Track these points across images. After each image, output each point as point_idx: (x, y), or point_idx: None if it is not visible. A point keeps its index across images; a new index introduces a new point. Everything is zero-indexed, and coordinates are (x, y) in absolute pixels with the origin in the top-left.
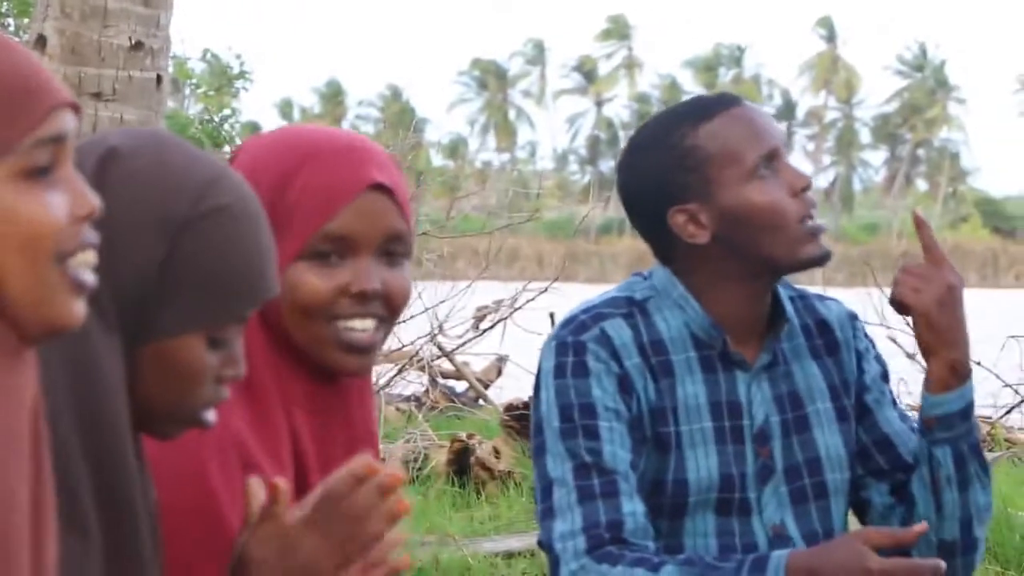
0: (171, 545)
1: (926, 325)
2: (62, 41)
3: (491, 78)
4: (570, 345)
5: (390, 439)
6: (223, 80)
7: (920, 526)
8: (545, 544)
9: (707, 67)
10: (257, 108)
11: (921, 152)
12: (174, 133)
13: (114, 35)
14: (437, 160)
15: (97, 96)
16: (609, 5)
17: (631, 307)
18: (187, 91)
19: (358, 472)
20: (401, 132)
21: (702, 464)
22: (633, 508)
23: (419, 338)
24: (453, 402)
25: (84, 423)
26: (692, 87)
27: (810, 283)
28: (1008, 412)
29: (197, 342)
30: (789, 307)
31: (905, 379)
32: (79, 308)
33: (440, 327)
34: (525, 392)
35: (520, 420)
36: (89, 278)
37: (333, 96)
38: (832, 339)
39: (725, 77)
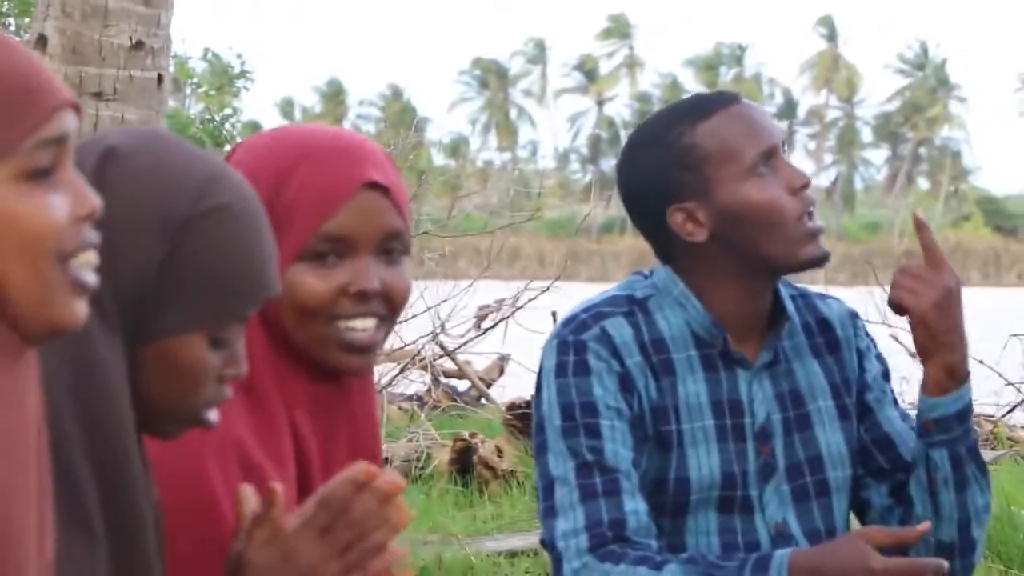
0: (171, 544)
1: (924, 328)
2: (63, 41)
3: (492, 77)
4: (571, 344)
5: (393, 438)
6: (224, 79)
7: (923, 525)
8: (547, 543)
9: (708, 66)
10: (258, 107)
11: (922, 151)
12: (175, 133)
13: (115, 35)
14: (438, 159)
15: (98, 96)
16: (610, 4)
17: (632, 306)
18: (188, 90)
19: (357, 479)
20: (402, 131)
21: (704, 462)
22: (635, 507)
23: (421, 337)
24: (455, 401)
25: (87, 424)
26: (693, 86)
27: (812, 282)
28: (1011, 410)
29: (199, 341)
30: (790, 305)
31: (907, 378)
32: (81, 308)
33: (442, 326)
34: (527, 391)
35: (522, 419)
36: (90, 278)
37: (334, 95)
38: (833, 337)
39: (726, 76)
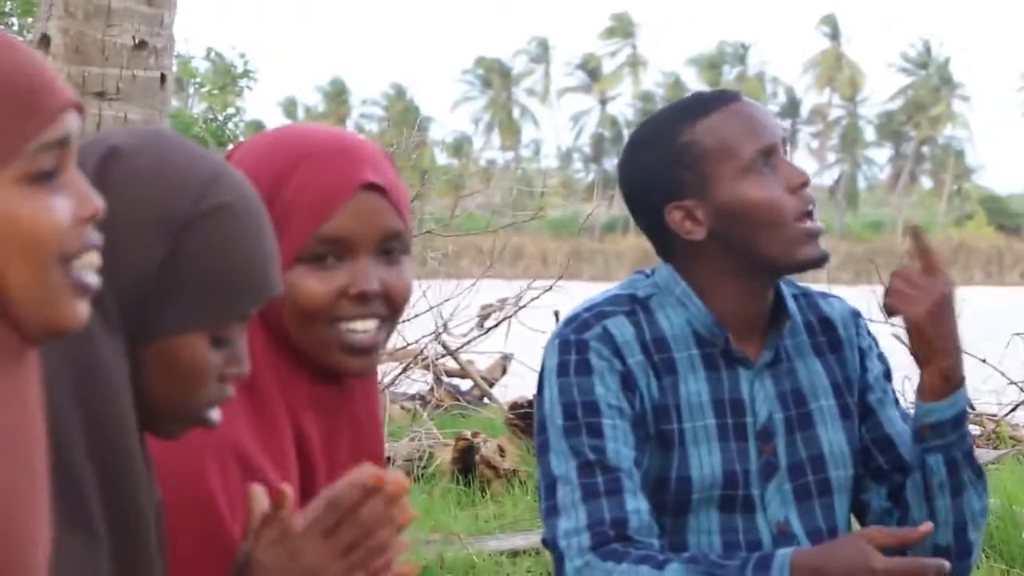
0: (170, 543)
1: (918, 335)
2: (66, 40)
3: (495, 76)
4: (573, 343)
5: (395, 437)
6: (227, 79)
7: (925, 526)
8: (549, 542)
9: (711, 65)
10: (261, 107)
11: (925, 150)
12: (178, 132)
13: (118, 34)
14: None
15: (101, 95)
16: (613, 3)
17: (634, 305)
18: (191, 90)
19: (367, 483)
20: (405, 131)
21: (705, 461)
22: (637, 505)
23: (424, 336)
24: (458, 400)
25: (89, 424)
26: (696, 85)
27: (815, 281)
28: (1013, 409)
29: (200, 341)
30: (792, 304)
31: (909, 376)
32: (82, 309)
33: (445, 325)
34: (530, 390)
35: (525, 418)
36: (93, 279)
37: (337, 95)
38: (835, 336)
39: (729, 75)
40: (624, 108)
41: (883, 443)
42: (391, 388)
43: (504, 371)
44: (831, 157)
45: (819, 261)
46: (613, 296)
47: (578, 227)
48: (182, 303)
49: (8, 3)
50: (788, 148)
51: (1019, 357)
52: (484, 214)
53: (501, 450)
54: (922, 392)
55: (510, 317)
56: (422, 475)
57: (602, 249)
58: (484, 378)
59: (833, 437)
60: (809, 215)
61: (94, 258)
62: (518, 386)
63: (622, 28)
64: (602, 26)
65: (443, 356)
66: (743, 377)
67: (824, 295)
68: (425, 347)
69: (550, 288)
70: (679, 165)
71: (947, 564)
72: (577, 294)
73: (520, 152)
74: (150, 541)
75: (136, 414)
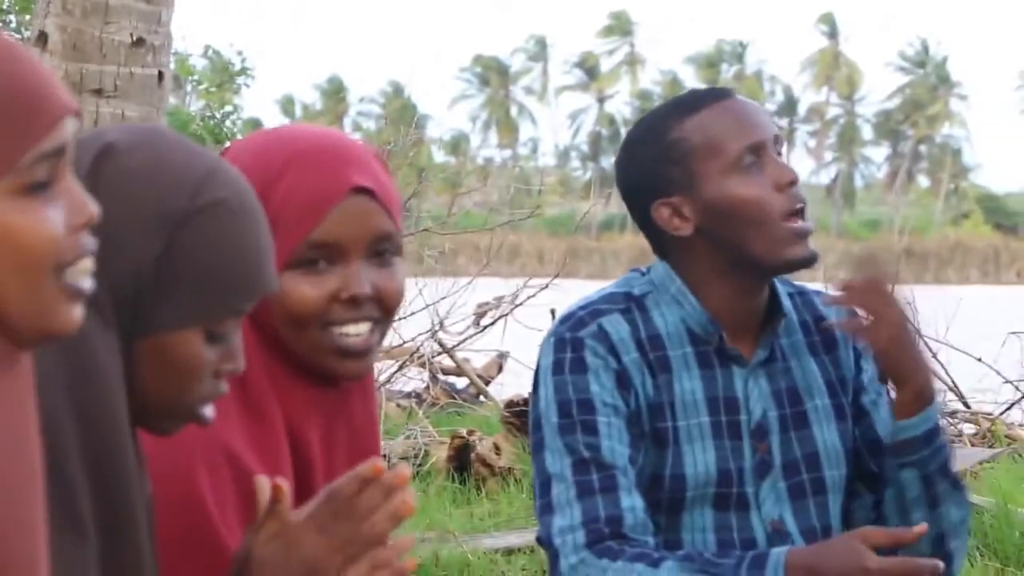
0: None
1: (886, 362)
2: (63, 38)
3: (493, 74)
4: (568, 341)
5: (391, 435)
6: (224, 77)
7: (920, 527)
8: (544, 540)
9: (709, 63)
10: (259, 105)
11: (923, 148)
12: (175, 130)
13: (115, 31)
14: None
15: (98, 93)
16: (611, 1)
17: (629, 303)
18: (189, 88)
19: (365, 474)
20: (403, 128)
21: (699, 459)
22: (632, 503)
23: (420, 334)
24: (454, 398)
25: (82, 421)
26: (694, 83)
27: (812, 279)
28: (1008, 408)
29: (195, 337)
30: (787, 303)
31: None
32: (76, 314)
33: (441, 323)
34: (526, 388)
35: (521, 416)
36: (87, 284)
37: (335, 92)
38: (830, 336)
39: (727, 73)
40: (622, 106)
41: (874, 446)
42: (387, 386)
43: (500, 369)
44: (828, 156)
45: (807, 262)
46: (609, 294)
47: (575, 225)
48: (177, 299)
49: (6, 0)
50: (782, 146)
51: (1015, 356)
52: (481, 212)
53: (497, 448)
54: (894, 410)
55: (506, 315)
56: (418, 473)
57: (599, 247)
58: (480, 376)
59: (828, 436)
60: (798, 214)
61: (89, 264)
62: (514, 384)
63: (620, 26)
64: (600, 24)
65: (439, 354)
66: (737, 375)
67: (820, 294)
68: (421, 345)
69: (546, 286)
70: (668, 161)
71: (941, 564)
72: (573, 292)
73: (517, 150)
74: (141, 541)
75: (129, 410)
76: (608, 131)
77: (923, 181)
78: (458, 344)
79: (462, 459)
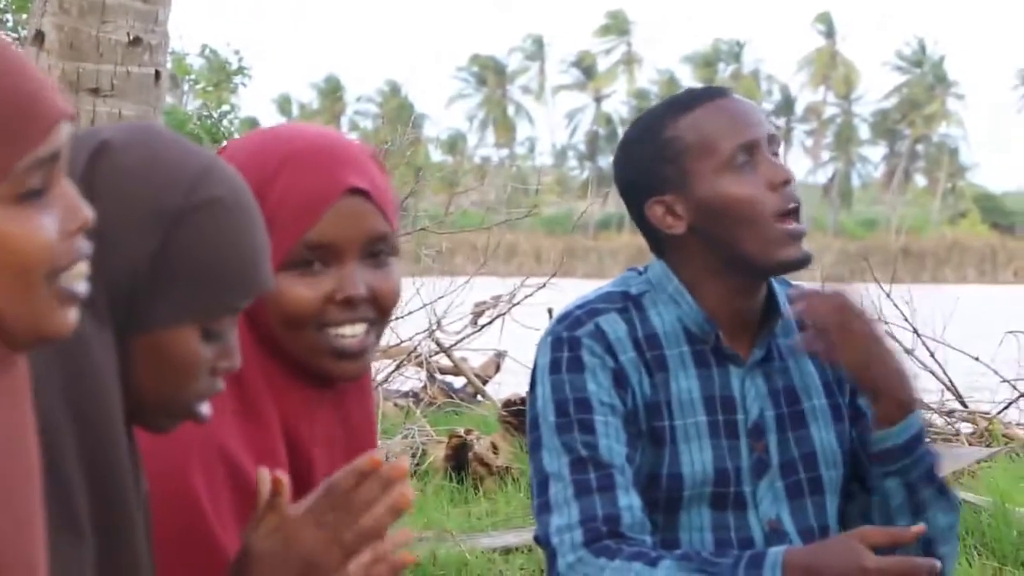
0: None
1: (862, 380)
2: (60, 37)
3: (490, 74)
4: (565, 340)
5: (388, 435)
6: (221, 76)
7: (918, 526)
8: (542, 539)
9: (706, 63)
10: (256, 104)
11: (920, 148)
12: (172, 129)
13: (112, 31)
14: (436, 156)
15: (95, 92)
16: (608, 1)
17: (626, 302)
18: (185, 87)
19: (363, 468)
20: (400, 128)
21: (696, 458)
22: (630, 502)
23: (417, 334)
24: (451, 398)
25: (78, 421)
26: (691, 83)
27: (810, 279)
28: (1006, 407)
29: (191, 334)
30: (785, 303)
31: None
32: (70, 317)
33: (438, 323)
34: (523, 388)
35: (518, 416)
36: (82, 288)
37: (332, 92)
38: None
39: (724, 72)
40: (619, 106)
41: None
42: (384, 385)
43: (498, 368)
44: (825, 155)
45: (800, 263)
46: (606, 293)
47: (572, 224)
48: (173, 296)
49: (2, 0)
50: (778, 146)
51: (1012, 355)
52: (478, 211)
53: (494, 447)
54: (875, 420)
55: (504, 314)
56: (415, 472)
57: (596, 246)
58: (477, 375)
59: (825, 436)
60: (791, 214)
61: (83, 268)
62: (511, 383)
63: (617, 26)
64: (597, 24)
65: (436, 353)
66: (734, 374)
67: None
68: (418, 344)
69: (544, 285)
70: (662, 160)
71: (939, 563)
72: (571, 291)
73: (515, 149)
74: (137, 540)
75: (125, 408)
76: (605, 130)
77: (920, 180)
78: (455, 343)
79: (460, 458)
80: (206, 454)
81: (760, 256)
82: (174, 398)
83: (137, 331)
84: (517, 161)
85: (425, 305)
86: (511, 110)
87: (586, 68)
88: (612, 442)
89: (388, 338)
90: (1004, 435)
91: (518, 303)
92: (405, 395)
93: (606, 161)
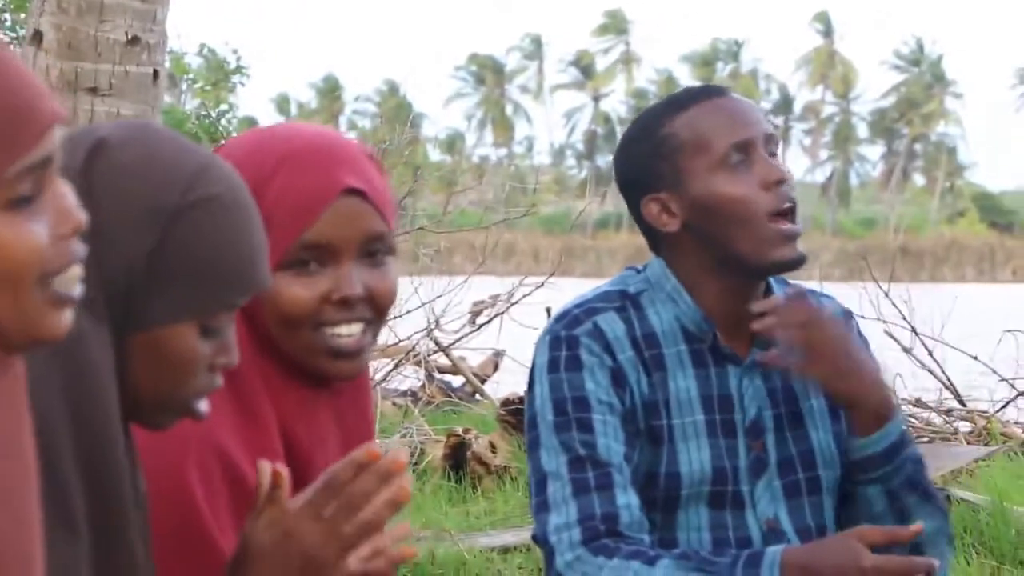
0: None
1: (834, 392)
2: (58, 36)
3: (488, 73)
4: (563, 339)
5: (386, 434)
6: (220, 75)
7: (916, 525)
8: (540, 538)
9: (704, 62)
10: (254, 103)
11: (918, 147)
12: (171, 128)
13: (110, 30)
14: (434, 155)
15: (93, 91)
16: (606, 0)
17: (624, 301)
18: (184, 86)
19: (360, 459)
20: (398, 127)
21: (694, 457)
22: (628, 500)
23: (415, 333)
24: (449, 397)
25: (75, 420)
26: (689, 82)
27: (808, 278)
28: (1004, 406)
29: (189, 331)
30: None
31: (900, 374)
32: (64, 320)
33: (436, 322)
34: (521, 387)
35: (516, 415)
36: (76, 291)
37: (330, 91)
38: None
39: (722, 72)
40: (617, 105)
41: None
42: (382, 384)
43: (496, 367)
44: (824, 154)
45: (794, 264)
46: (604, 292)
47: (570, 224)
48: (171, 293)
49: None
50: (776, 145)
51: (1010, 353)
52: (477, 210)
53: (492, 446)
54: (852, 429)
55: (502, 313)
56: (413, 471)
57: (594, 246)
58: (476, 374)
59: (823, 436)
60: (785, 214)
61: (77, 271)
62: (510, 382)
63: (615, 25)
64: (595, 23)
65: (435, 352)
66: (732, 374)
67: (816, 294)
68: (417, 343)
69: (542, 285)
70: (658, 157)
71: (936, 562)
72: (569, 291)
73: (513, 149)
74: (133, 538)
75: (123, 406)
76: (603, 130)
77: (918, 179)
78: (454, 342)
79: (458, 457)
80: (202, 452)
81: (753, 256)
82: (172, 395)
83: (135, 329)
84: (515, 160)
85: (423, 304)
86: (509, 109)
87: (584, 67)
88: (610, 441)
89: (386, 337)
90: (1002, 434)
91: (516, 302)
92: (403, 394)
93: (604, 160)
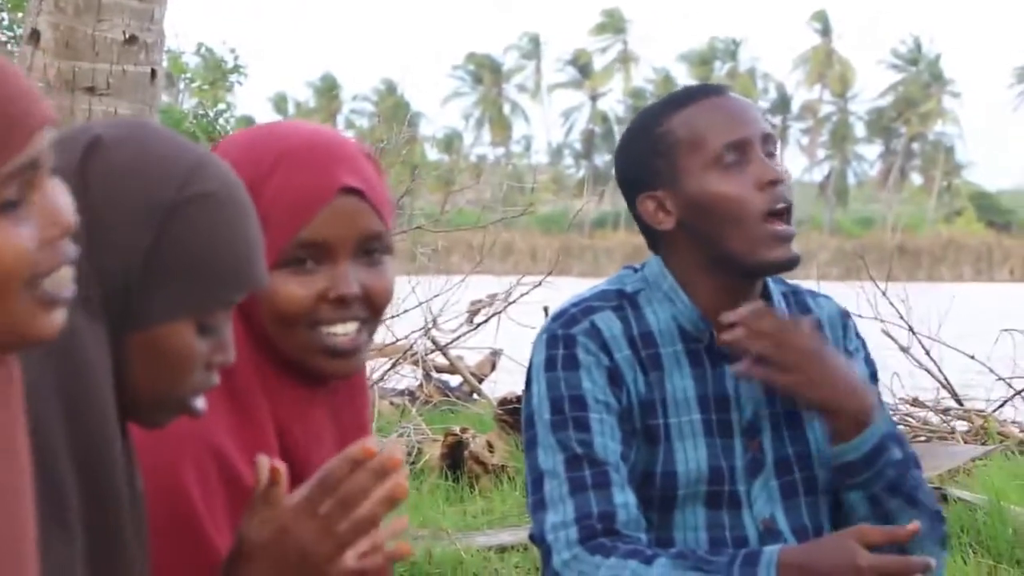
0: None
1: (808, 401)
2: (56, 35)
3: (486, 72)
4: (560, 338)
5: (384, 433)
6: (217, 74)
7: (913, 524)
8: (537, 536)
9: (702, 61)
10: (252, 103)
11: (916, 146)
12: (168, 127)
13: (108, 29)
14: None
15: (91, 90)
16: None
17: (621, 300)
18: (181, 85)
19: (355, 456)
20: (396, 126)
21: (691, 456)
22: (625, 499)
23: (413, 332)
24: (447, 396)
25: (70, 419)
26: (687, 81)
27: (805, 278)
28: (1001, 405)
29: (186, 328)
30: (781, 303)
31: (898, 373)
32: (55, 321)
33: (434, 321)
34: (519, 386)
35: (514, 414)
36: (66, 292)
37: (328, 90)
38: (822, 337)
39: (720, 71)
40: (615, 104)
41: None
42: (380, 384)
43: (493, 367)
44: (821, 153)
45: (787, 265)
46: (601, 291)
47: (568, 223)
48: (168, 291)
49: None
50: (774, 145)
51: (1008, 353)
52: (474, 210)
53: (490, 446)
54: (831, 436)
55: (499, 313)
56: (410, 471)
57: (592, 245)
58: (473, 374)
59: (820, 437)
60: (779, 215)
61: (68, 272)
62: (507, 382)
63: (613, 24)
64: (593, 22)
65: (432, 352)
66: (728, 373)
67: (814, 294)
68: (414, 343)
69: (539, 284)
70: (654, 155)
71: (933, 561)
72: (566, 290)
73: (510, 148)
74: (128, 537)
75: (120, 404)
76: (601, 129)
77: (916, 179)
78: (451, 342)
79: (455, 457)
80: (198, 450)
81: (746, 256)
82: (169, 393)
83: (132, 327)
84: (513, 159)
85: (421, 303)
86: (507, 108)
87: (582, 66)
88: (607, 440)
89: (384, 336)
90: (999, 433)
91: (514, 301)
92: (401, 393)
93: (602, 159)
